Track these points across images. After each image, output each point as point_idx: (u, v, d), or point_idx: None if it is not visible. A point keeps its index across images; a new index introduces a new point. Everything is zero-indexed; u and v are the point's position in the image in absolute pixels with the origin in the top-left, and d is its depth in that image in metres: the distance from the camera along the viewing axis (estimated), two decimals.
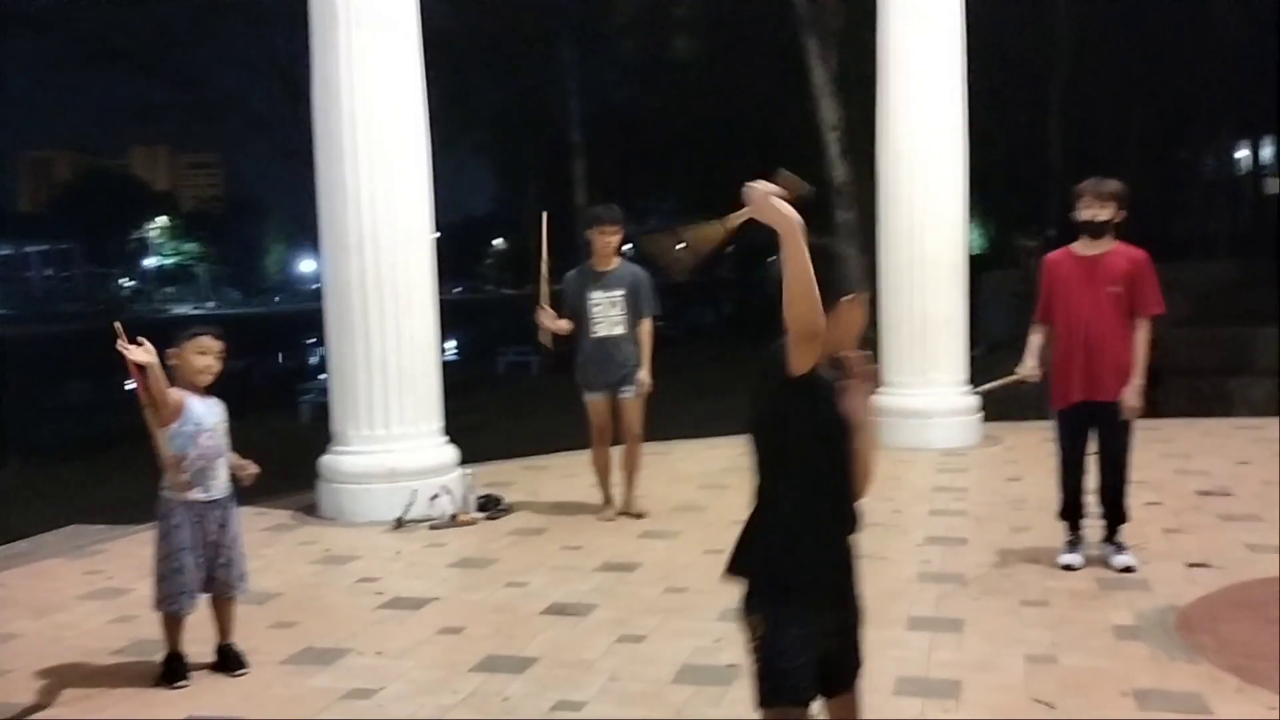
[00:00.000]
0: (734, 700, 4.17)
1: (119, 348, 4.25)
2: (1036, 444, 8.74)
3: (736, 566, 2.81)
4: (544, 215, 7.50)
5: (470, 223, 73.89)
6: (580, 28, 29.76)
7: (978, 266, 14.41)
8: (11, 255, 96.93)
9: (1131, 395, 5.68)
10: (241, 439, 4.89)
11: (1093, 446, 5.92)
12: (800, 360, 2.52)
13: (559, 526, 7.31)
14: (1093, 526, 6.03)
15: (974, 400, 10.11)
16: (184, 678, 4.62)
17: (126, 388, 4.65)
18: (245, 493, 4.93)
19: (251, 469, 4.76)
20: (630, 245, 7.73)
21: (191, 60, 29.74)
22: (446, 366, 8.53)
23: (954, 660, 4.67)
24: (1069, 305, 5.83)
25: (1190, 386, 13.64)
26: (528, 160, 36.05)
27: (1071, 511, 6.01)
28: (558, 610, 5.49)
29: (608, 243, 7.23)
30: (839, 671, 2.83)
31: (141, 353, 4.29)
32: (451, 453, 7.93)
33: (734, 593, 2.88)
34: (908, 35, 9.93)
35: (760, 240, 2.90)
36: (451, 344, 28.16)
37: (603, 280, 7.22)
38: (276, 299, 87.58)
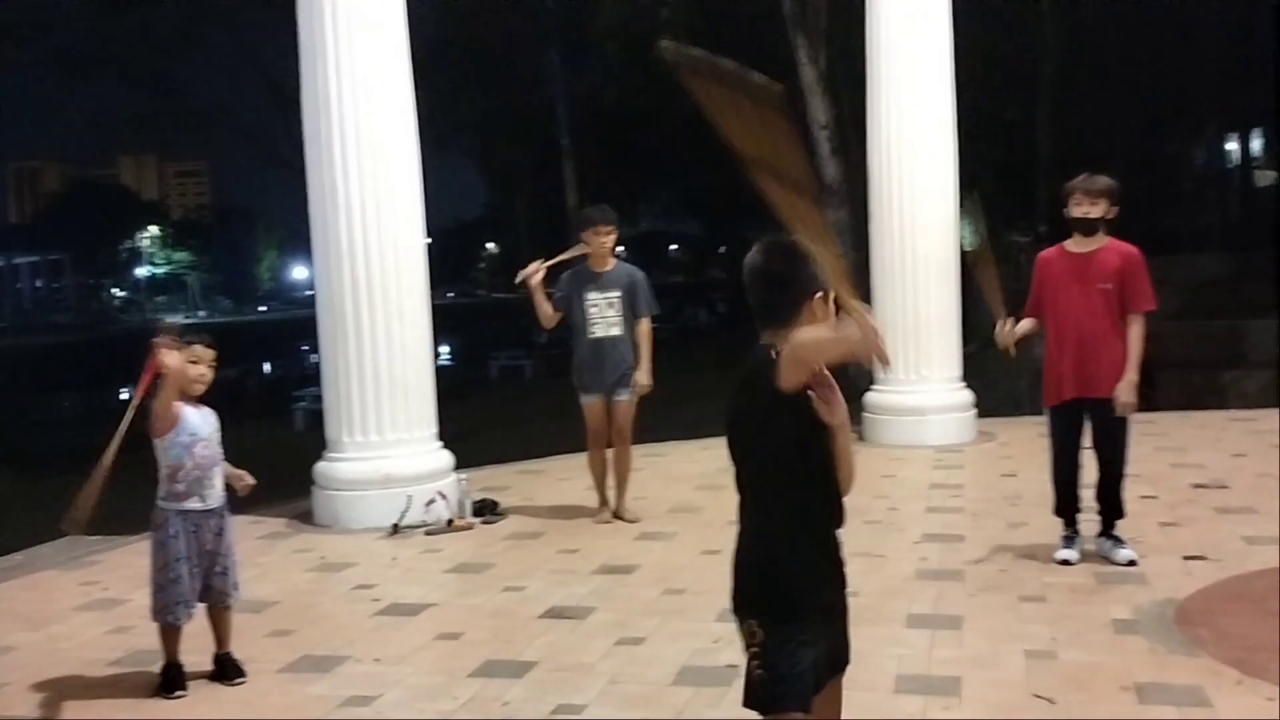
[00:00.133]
0: (734, 701, 4.12)
1: (157, 346, 4.35)
2: (1031, 439, 8.76)
3: (740, 591, 2.80)
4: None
5: (461, 226, 73.98)
6: (567, 31, 29.76)
7: (969, 263, 14.39)
8: (2, 267, 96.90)
9: (1125, 391, 5.68)
10: (235, 447, 4.88)
11: (1087, 442, 5.92)
12: (794, 379, 2.57)
13: (556, 530, 7.30)
14: (1088, 521, 6.04)
15: (969, 397, 10.13)
16: (182, 688, 4.60)
17: (122, 397, 4.69)
18: (240, 501, 4.92)
19: (248, 480, 4.76)
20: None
21: (178, 68, 29.57)
22: (440, 371, 8.52)
23: (954, 657, 4.66)
24: (1061, 302, 5.83)
25: (1183, 380, 13.69)
26: (518, 164, 36.07)
27: (1066, 507, 6.01)
28: (556, 614, 5.48)
29: (603, 243, 7.21)
30: (830, 666, 2.84)
31: (176, 358, 4.39)
32: (446, 458, 7.91)
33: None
34: (898, 33, 9.95)
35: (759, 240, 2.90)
36: (444, 349, 28.16)
37: (599, 281, 7.19)
38: (263, 309, 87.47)
